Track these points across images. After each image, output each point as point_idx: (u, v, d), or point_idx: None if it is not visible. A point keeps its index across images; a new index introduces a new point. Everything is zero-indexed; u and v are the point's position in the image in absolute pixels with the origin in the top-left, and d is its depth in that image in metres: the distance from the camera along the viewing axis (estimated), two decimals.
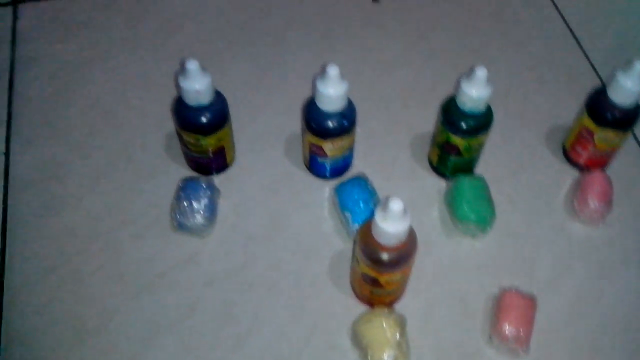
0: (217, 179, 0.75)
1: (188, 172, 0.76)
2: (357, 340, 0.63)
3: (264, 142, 0.80)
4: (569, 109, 0.84)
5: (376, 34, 0.94)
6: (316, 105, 0.69)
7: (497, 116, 0.84)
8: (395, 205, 0.56)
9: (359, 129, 0.81)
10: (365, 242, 0.60)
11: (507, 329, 0.63)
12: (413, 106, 0.85)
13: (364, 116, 0.83)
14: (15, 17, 0.93)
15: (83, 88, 0.85)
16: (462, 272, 0.71)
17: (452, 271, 0.71)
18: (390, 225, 0.57)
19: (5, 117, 0.81)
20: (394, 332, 0.62)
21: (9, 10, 0.94)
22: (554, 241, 0.73)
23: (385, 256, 0.60)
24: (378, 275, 0.62)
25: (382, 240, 0.59)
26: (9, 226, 0.71)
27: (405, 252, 0.60)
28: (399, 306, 0.68)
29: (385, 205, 0.57)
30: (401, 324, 0.63)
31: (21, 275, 0.68)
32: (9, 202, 0.73)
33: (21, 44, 0.90)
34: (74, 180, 0.75)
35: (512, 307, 0.65)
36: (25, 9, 0.94)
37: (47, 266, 0.69)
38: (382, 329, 0.62)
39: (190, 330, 0.65)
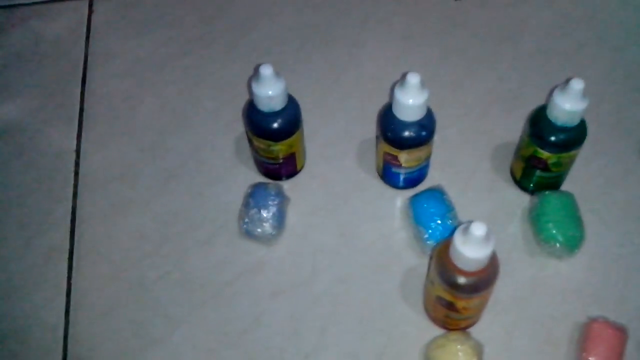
0: (286, 185, 0.73)
1: (257, 177, 0.74)
2: None
3: (336, 147, 0.77)
4: None
5: (458, 35, 0.89)
6: (393, 114, 0.65)
7: (589, 127, 0.78)
8: (478, 230, 0.52)
9: (436, 137, 0.77)
10: (442, 264, 0.56)
11: None
12: (495, 113, 0.80)
13: (441, 122, 0.78)
14: (90, 11, 0.93)
15: (155, 86, 0.84)
16: (545, 297, 0.66)
17: (534, 295, 0.66)
18: (471, 250, 0.53)
19: (77, 114, 0.81)
20: None
21: (85, 3, 0.94)
22: None
23: (463, 281, 0.56)
24: (454, 299, 0.58)
25: (460, 264, 0.54)
26: (77, 226, 0.71)
27: (486, 277, 0.56)
28: (474, 330, 0.63)
29: (466, 228, 0.52)
30: (478, 351, 0.59)
31: (88, 278, 0.68)
32: (78, 201, 0.73)
33: (95, 39, 0.89)
34: (143, 182, 0.75)
35: (600, 338, 0.60)
36: (101, 3, 0.94)
37: (113, 270, 0.68)
38: (456, 356, 0.58)
39: (255, 344, 0.63)
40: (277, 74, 0.63)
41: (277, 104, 0.64)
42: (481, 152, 0.77)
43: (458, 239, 0.53)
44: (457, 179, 0.74)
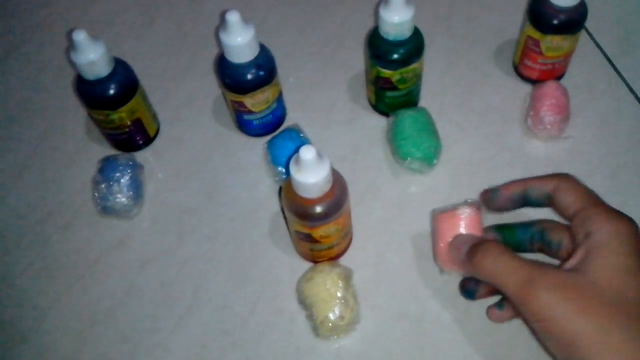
0: (143, 154, 0.71)
1: (111, 152, 0.71)
2: (302, 300, 0.59)
3: (190, 108, 0.75)
4: (517, 21, 0.77)
5: None
6: (226, 59, 0.63)
7: (440, 39, 0.78)
8: (307, 154, 0.50)
9: (291, 79, 0.76)
10: (289, 198, 0.55)
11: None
12: (350, 45, 0.79)
13: (296, 64, 0.78)
14: None
15: None
16: (413, 212, 0.65)
17: (403, 212, 0.65)
18: (307, 176, 0.52)
19: None
20: (336, 288, 0.57)
21: None
22: (510, 164, 0.68)
23: (311, 210, 0.55)
24: (310, 230, 0.57)
25: (303, 193, 0.53)
26: None
27: (334, 201, 0.55)
28: (346, 258, 0.63)
29: (297, 155, 0.51)
30: (345, 277, 0.58)
31: None
32: None
33: None
34: None
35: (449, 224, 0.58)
36: None
37: None
38: (324, 286, 0.57)
39: (126, 317, 0.61)
40: (94, 37, 0.60)
41: (102, 69, 0.62)
42: (338, 86, 0.76)
43: (293, 168, 0.52)
44: (317, 117, 0.73)
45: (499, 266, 0.49)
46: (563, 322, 0.44)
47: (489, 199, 0.57)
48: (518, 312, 0.51)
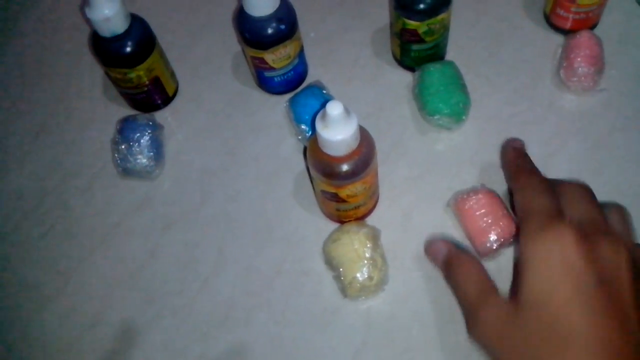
0: (162, 114, 0.69)
1: (130, 112, 0.69)
2: (329, 261, 0.58)
3: (209, 65, 0.73)
4: None
5: None
6: (246, 13, 0.61)
7: None
8: (334, 109, 0.48)
9: (312, 34, 0.74)
10: (314, 156, 0.53)
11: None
12: None
13: (316, 17, 0.75)
14: None
15: (10, 43, 0.78)
16: (441, 170, 0.63)
17: (430, 170, 0.63)
18: (334, 133, 0.50)
19: None
20: (364, 248, 0.56)
21: None
22: (543, 119, 0.65)
23: (337, 168, 0.53)
24: (337, 189, 0.55)
25: (330, 151, 0.51)
26: None
27: (361, 159, 0.53)
28: (373, 218, 0.61)
29: (323, 111, 0.49)
30: (373, 237, 0.57)
31: None
32: None
33: None
34: (13, 141, 0.70)
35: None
36: None
37: None
38: (351, 246, 0.56)
39: (152, 279, 0.60)
40: None
41: (118, 25, 0.59)
42: (361, 40, 0.73)
43: (319, 125, 0.50)
44: (339, 72, 0.71)
45: (463, 279, 0.52)
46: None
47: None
48: None
